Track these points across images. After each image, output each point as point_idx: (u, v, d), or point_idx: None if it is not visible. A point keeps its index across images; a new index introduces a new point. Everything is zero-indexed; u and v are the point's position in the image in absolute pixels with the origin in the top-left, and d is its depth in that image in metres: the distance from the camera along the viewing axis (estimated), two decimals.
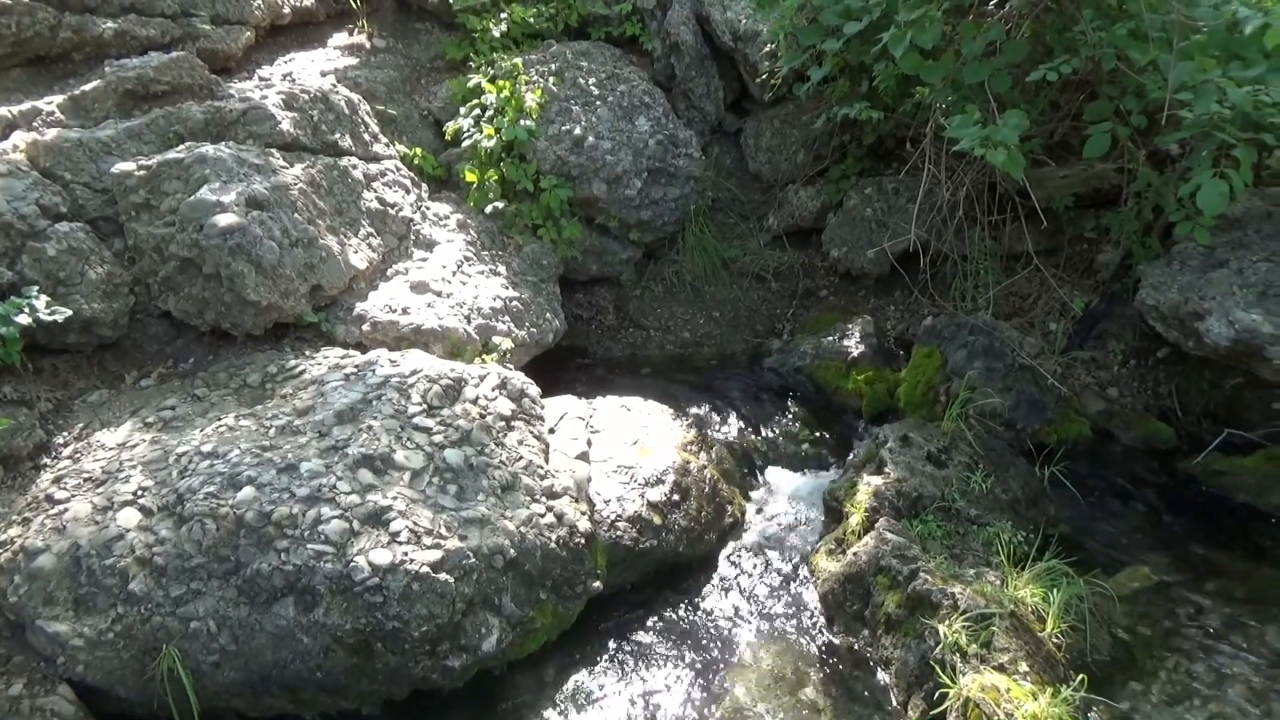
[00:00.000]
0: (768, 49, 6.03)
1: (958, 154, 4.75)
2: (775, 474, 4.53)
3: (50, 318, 3.53)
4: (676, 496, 3.88)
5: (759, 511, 4.26)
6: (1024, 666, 2.92)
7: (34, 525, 3.04)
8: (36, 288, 3.62)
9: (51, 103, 4.63)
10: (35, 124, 4.51)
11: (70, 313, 3.63)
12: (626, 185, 5.56)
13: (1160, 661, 3.25)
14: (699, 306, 5.88)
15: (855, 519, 3.76)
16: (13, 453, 3.40)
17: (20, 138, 4.32)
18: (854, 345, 5.14)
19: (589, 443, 4.08)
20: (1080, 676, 2.92)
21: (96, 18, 5.11)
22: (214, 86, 5.06)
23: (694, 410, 4.85)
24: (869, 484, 3.88)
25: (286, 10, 6.18)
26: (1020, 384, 4.44)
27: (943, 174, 5.01)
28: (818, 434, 4.80)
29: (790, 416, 4.91)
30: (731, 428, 4.78)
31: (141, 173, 4.12)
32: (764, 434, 4.76)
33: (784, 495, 4.37)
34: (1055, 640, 3.16)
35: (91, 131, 4.44)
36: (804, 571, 3.85)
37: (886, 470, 3.94)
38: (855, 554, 3.53)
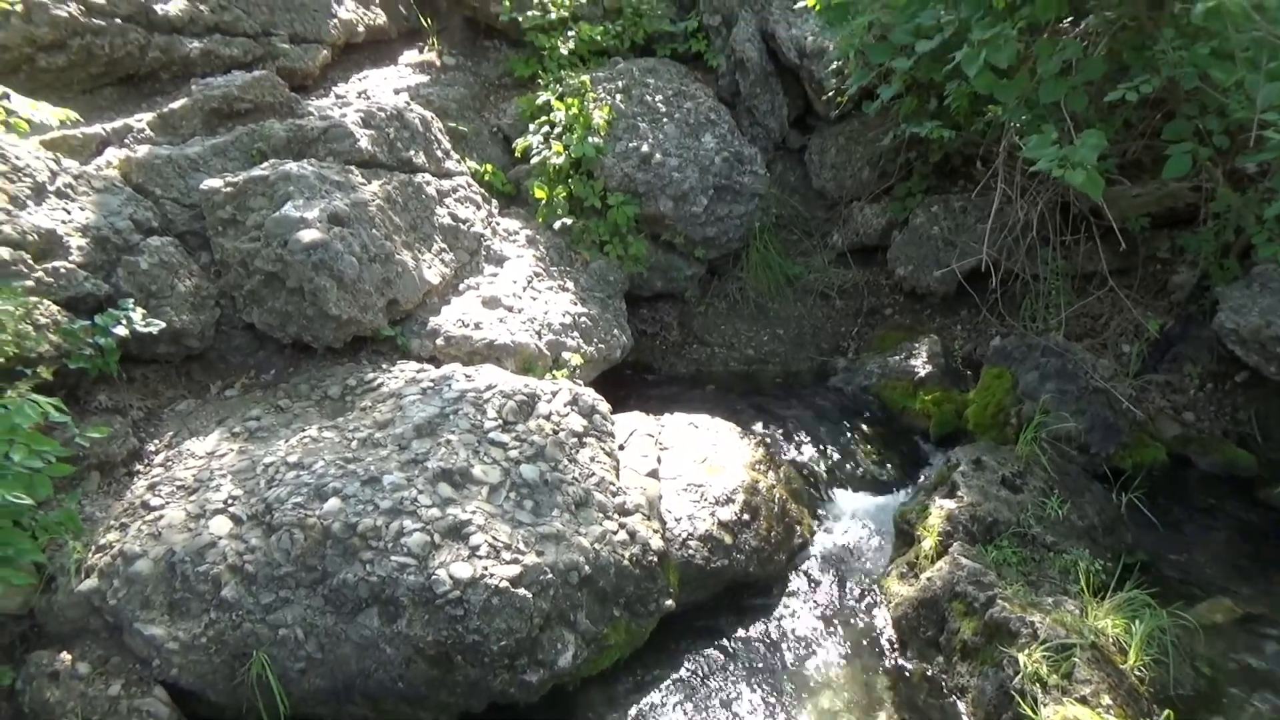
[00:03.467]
0: (834, 66, 6.04)
1: (1031, 173, 4.71)
2: (843, 494, 4.51)
3: (145, 329, 3.65)
4: (746, 516, 3.89)
5: (828, 532, 4.24)
6: (1106, 700, 2.88)
7: (131, 530, 3.15)
8: (131, 300, 3.75)
9: (142, 120, 4.80)
10: (127, 141, 4.68)
11: (163, 324, 3.76)
12: (692, 202, 5.59)
13: (1246, 697, 3.18)
14: (763, 323, 5.89)
15: (928, 543, 3.73)
16: (109, 459, 3.53)
17: (114, 154, 4.48)
18: (921, 365, 5.11)
19: (658, 460, 4.11)
20: (1165, 713, 2.87)
21: (183, 38, 5.29)
22: (294, 104, 5.21)
23: (760, 428, 4.85)
24: (941, 507, 3.85)
25: (361, 29, 6.33)
26: (1094, 407, 4.38)
27: (1015, 193, 4.97)
28: (885, 454, 4.78)
29: (857, 436, 4.89)
30: (798, 446, 4.78)
31: (229, 189, 4.25)
32: (831, 453, 4.75)
33: (852, 516, 4.36)
34: (1137, 673, 3.10)
35: (180, 148, 4.60)
36: (875, 595, 3.83)
37: (959, 494, 3.91)
38: (929, 579, 3.50)
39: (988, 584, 3.34)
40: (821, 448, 4.79)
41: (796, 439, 4.83)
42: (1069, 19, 4.78)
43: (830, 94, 6.04)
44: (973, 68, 4.35)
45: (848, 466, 4.68)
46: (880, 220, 6.02)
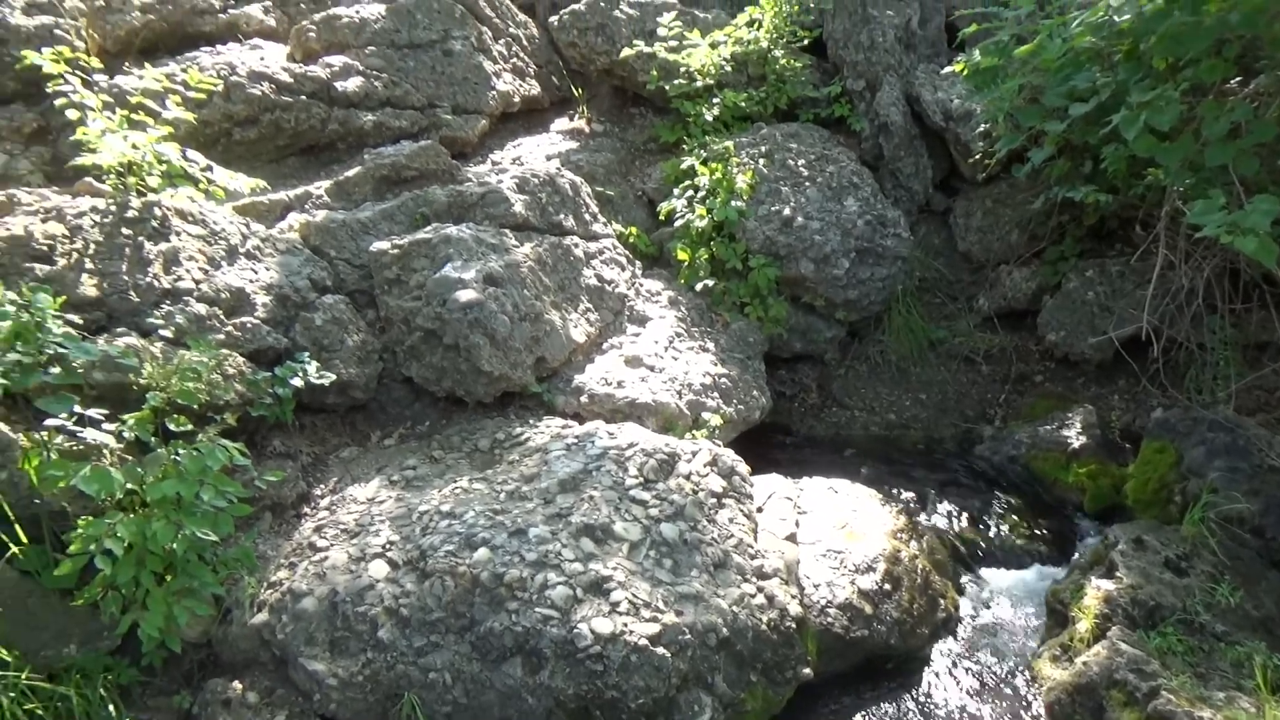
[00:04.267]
0: (981, 129, 5.97)
1: (1197, 238, 4.50)
2: (990, 568, 4.35)
3: (318, 380, 3.94)
4: (888, 585, 3.80)
5: (974, 607, 4.09)
6: None
7: (299, 570, 3.36)
8: (307, 353, 4.05)
9: (320, 187, 5.21)
10: (307, 206, 5.09)
11: (333, 376, 4.04)
12: (834, 265, 5.59)
13: None
14: (905, 388, 5.79)
15: (1083, 625, 3.55)
16: (281, 501, 3.79)
17: (295, 218, 4.88)
18: (1074, 436, 4.90)
19: (797, 524, 4.08)
20: None
21: (359, 111, 5.74)
22: (454, 171, 5.54)
23: (902, 495, 4.75)
24: (1098, 588, 3.66)
25: (516, 99, 6.69)
26: (1270, 488, 4.08)
27: (1179, 258, 4.75)
28: (1034, 528, 4.59)
29: (1004, 508, 4.72)
30: (942, 516, 4.65)
31: (395, 251, 4.56)
32: (977, 524, 4.59)
33: (1000, 592, 4.19)
34: None
35: (353, 213, 4.96)
36: (1025, 677, 3.66)
37: (1118, 574, 3.71)
38: (1085, 664, 3.32)
39: (1151, 673, 3.15)
40: (967, 518, 4.64)
41: (940, 508, 4.70)
42: (1237, 79, 4.59)
43: (977, 156, 5.96)
44: (1132, 131, 4.23)
45: (995, 539, 4.52)
46: (1030, 284, 5.85)
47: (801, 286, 5.68)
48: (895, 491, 4.80)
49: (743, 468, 4.19)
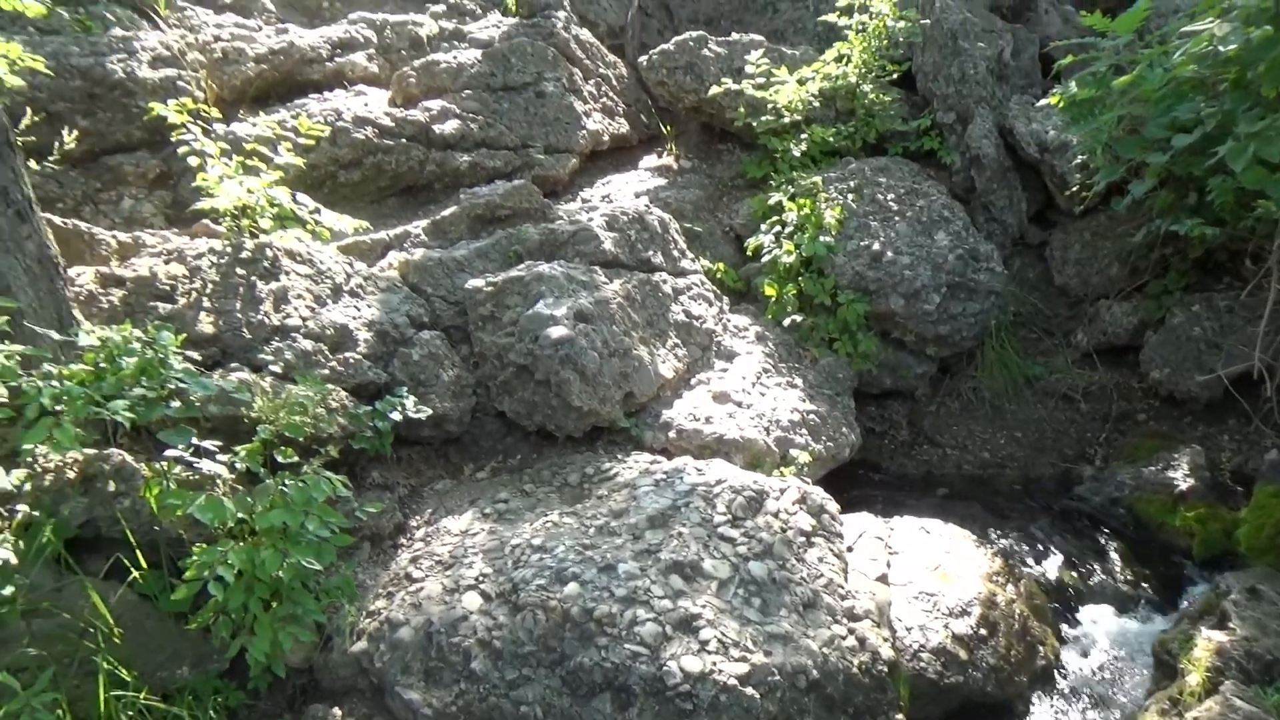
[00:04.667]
0: (1079, 160, 5.84)
1: None
2: (1091, 615, 4.19)
3: (416, 415, 4.07)
4: (983, 630, 3.71)
5: (1075, 655, 3.95)
6: None
7: (396, 599, 3.47)
8: (405, 387, 4.19)
9: (418, 226, 5.41)
10: (405, 245, 5.29)
11: (430, 411, 4.17)
12: (925, 300, 5.52)
13: None
14: (999, 425, 5.65)
15: (1194, 678, 3.39)
16: (379, 532, 3.92)
17: (394, 257, 5.07)
18: (1181, 477, 4.71)
19: (888, 564, 4.02)
20: None
21: (455, 153, 5.95)
22: (546, 209, 5.68)
23: (998, 537, 4.63)
24: (1209, 639, 3.50)
25: (606, 138, 6.84)
26: None
27: None
28: (1139, 574, 4.41)
29: (1106, 552, 4.55)
30: (1040, 560, 4.51)
31: (489, 288, 4.69)
32: (1077, 569, 4.44)
33: (1102, 640, 4.03)
34: None
35: (449, 251, 5.13)
36: None
37: (1231, 625, 3.53)
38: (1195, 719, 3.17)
39: None
40: (1066, 562, 4.49)
41: (1038, 551, 4.57)
42: None
43: (1074, 189, 5.83)
44: (1240, 162, 4.10)
45: (1096, 585, 4.36)
46: (1131, 319, 5.66)
47: (891, 322, 5.62)
48: (990, 533, 4.68)
49: (832, 506, 4.15)
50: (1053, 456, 5.42)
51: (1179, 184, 5.23)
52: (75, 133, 4.70)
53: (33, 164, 4.32)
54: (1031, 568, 4.45)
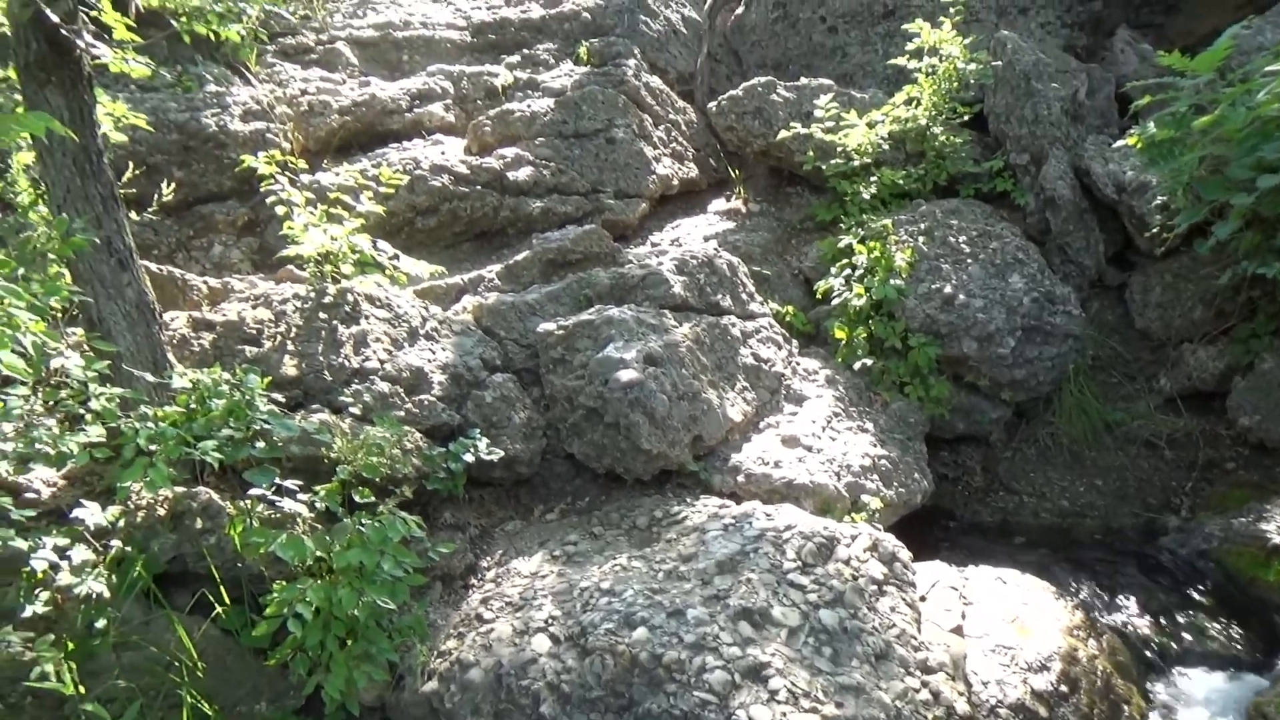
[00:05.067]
0: (1158, 201, 5.70)
1: None
2: (1180, 673, 4.01)
3: (488, 456, 4.14)
4: (1064, 687, 3.58)
5: (1163, 716, 3.78)
6: None
7: (467, 640, 3.51)
8: (478, 430, 4.27)
9: (491, 270, 5.54)
10: (479, 289, 5.41)
11: (502, 453, 4.23)
12: (999, 344, 5.43)
13: None
14: (1078, 473, 5.49)
15: None
16: (450, 572, 3.98)
17: (468, 301, 5.20)
18: (1275, 530, 4.50)
19: (963, 615, 3.92)
20: None
21: (528, 199, 6.09)
22: (616, 253, 5.76)
23: (1078, 589, 4.48)
24: None
25: (675, 182, 6.93)
26: None
27: None
28: (1230, 630, 4.21)
29: (1195, 607, 4.37)
30: (1123, 613, 4.35)
31: (560, 332, 4.77)
32: (1163, 624, 4.27)
33: (1192, 700, 3.86)
34: None
35: (521, 295, 5.23)
36: None
37: None
38: None
39: None
40: (1152, 617, 4.32)
41: (1121, 605, 4.40)
42: None
43: (1155, 230, 5.69)
44: None
45: (1184, 641, 4.18)
46: (1218, 364, 5.47)
47: (964, 366, 5.53)
48: (1071, 584, 4.53)
49: (904, 554, 4.08)
50: (1136, 506, 5.24)
51: (1265, 225, 5.07)
52: (172, 184, 4.95)
53: (133, 215, 4.56)
54: (1114, 622, 4.29)
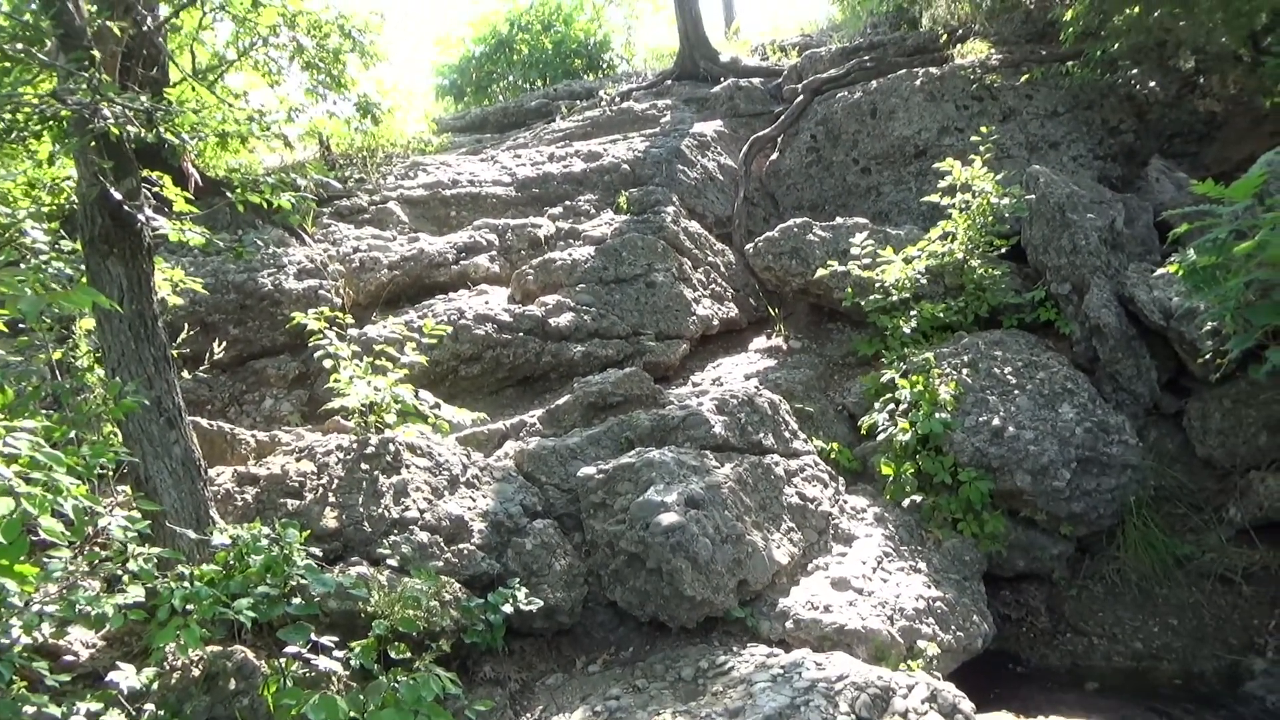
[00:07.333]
0: (1209, 327, 5.59)
1: None
2: None
3: (528, 607, 4.06)
4: None
5: None
6: None
7: None
8: (518, 579, 4.21)
9: (533, 415, 5.59)
10: (521, 434, 5.45)
11: (541, 602, 4.15)
12: (1054, 476, 5.26)
13: None
14: (1150, 611, 5.18)
15: None
16: None
17: (510, 446, 5.23)
18: None
19: None
20: None
21: (570, 344, 6.19)
22: (657, 394, 5.79)
23: None
24: None
25: (715, 322, 7.01)
26: None
27: None
28: None
29: None
30: None
31: (600, 476, 4.74)
32: None
33: None
34: None
35: (562, 439, 5.25)
36: None
37: None
38: None
39: None
40: None
41: None
42: None
43: (1207, 356, 5.55)
44: None
45: None
46: None
47: (1019, 500, 5.35)
48: None
49: (966, 704, 3.84)
50: (1216, 647, 4.90)
51: None
52: (225, 343, 5.15)
53: (185, 374, 4.72)
54: None
